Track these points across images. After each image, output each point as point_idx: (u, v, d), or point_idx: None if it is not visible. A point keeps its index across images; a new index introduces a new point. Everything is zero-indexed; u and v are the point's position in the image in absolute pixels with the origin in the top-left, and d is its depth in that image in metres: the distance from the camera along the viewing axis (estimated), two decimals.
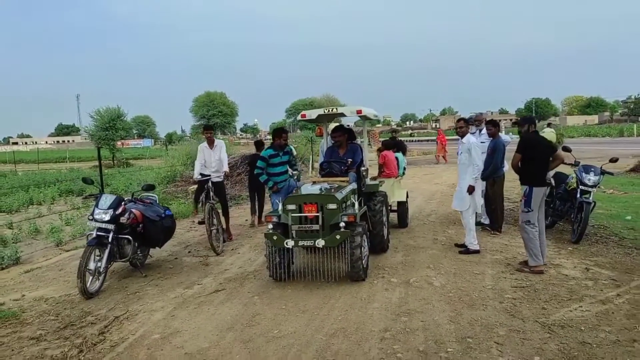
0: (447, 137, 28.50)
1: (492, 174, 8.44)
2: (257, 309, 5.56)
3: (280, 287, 6.30)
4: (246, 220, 11.32)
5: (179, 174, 17.64)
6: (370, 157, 10.23)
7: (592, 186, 7.97)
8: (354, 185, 7.21)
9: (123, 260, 6.91)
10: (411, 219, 10.26)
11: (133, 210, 7.02)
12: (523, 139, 6.65)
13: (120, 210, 6.60)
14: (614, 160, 8.59)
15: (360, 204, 6.93)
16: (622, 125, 67.24)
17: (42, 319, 5.57)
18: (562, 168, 8.32)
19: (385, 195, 8.05)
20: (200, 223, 8.91)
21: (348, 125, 11.25)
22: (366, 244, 6.53)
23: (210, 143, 9.04)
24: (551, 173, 8.10)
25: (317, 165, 19.38)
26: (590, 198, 7.91)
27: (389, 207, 8.92)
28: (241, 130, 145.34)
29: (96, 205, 6.57)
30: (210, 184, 8.59)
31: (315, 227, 6.22)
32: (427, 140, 56.43)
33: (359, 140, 9.05)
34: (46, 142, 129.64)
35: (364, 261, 6.31)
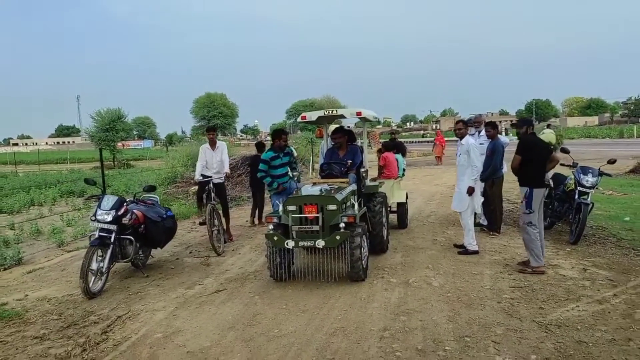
0: (445, 139, 28.63)
1: (491, 175, 8.51)
2: (257, 308, 5.63)
3: (280, 287, 6.37)
4: (246, 221, 11.39)
5: (179, 175, 17.71)
6: (370, 159, 10.29)
7: (590, 187, 8.03)
8: (353, 187, 7.27)
9: (125, 260, 6.98)
10: (411, 220, 10.33)
11: (135, 211, 7.09)
12: (522, 141, 6.70)
13: (122, 211, 6.67)
14: (612, 161, 8.65)
15: (360, 205, 7.00)
16: (622, 126, 67.26)
17: (45, 319, 5.64)
18: (560, 169, 8.41)
19: (384, 197, 8.11)
20: (201, 224, 8.98)
21: (348, 127, 11.32)
22: (366, 244, 6.59)
23: (212, 144, 9.11)
24: (549, 174, 8.17)
25: (317, 166, 19.50)
26: (589, 199, 7.97)
27: (389, 208, 8.98)
28: (241, 131, 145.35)
29: (99, 206, 6.64)
30: (211, 185, 8.65)
31: (316, 227, 6.28)
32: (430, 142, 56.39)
33: (359, 142, 9.11)
34: (46, 143, 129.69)
35: (363, 261, 6.37)
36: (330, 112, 8.02)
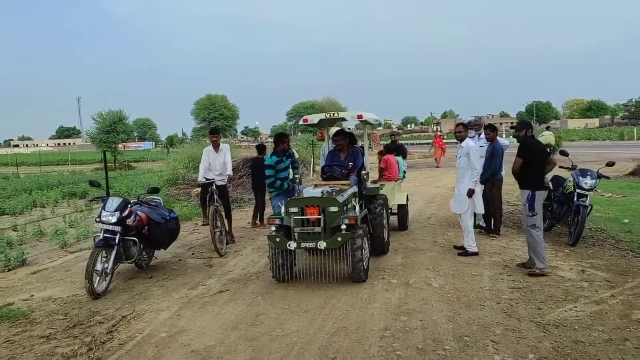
0: (444, 141, 28.78)
1: (490, 177, 8.60)
2: (260, 308, 5.72)
3: (282, 287, 6.45)
4: (248, 222, 11.48)
5: (181, 177, 17.80)
6: (370, 160, 10.38)
7: (588, 190, 8.10)
8: (355, 189, 7.36)
9: (129, 261, 7.07)
10: (411, 222, 10.41)
11: (139, 212, 7.17)
12: (522, 144, 6.77)
13: (126, 212, 6.76)
14: (610, 164, 8.73)
15: (361, 207, 7.09)
16: (623, 128, 67.34)
17: (51, 319, 5.72)
18: (559, 172, 8.49)
19: (385, 199, 8.19)
20: (204, 225, 9.06)
21: (349, 129, 11.43)
22: (367, 245, 6.67)
23: (216, 146, 9.20)
24: (548, 177, 8.27)
25: (318, 168, 19.57)
26: (587, 201, 8.04)
27: (390, 210, 9.06)
28: (242, 133, 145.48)
29: (103, 208, 6.73)
30: (214, 187, 8.74)
31: (317, 229, 6.37)
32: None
33: (359, 144, 9.20)
34: (47, 145, 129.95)
35: (364, 263, 6.45)
36: (331, 115, 8.10)
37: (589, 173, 8.27)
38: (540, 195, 6.71)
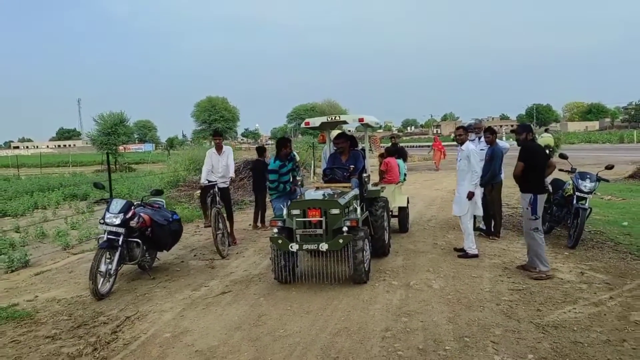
0: (443, 144, 28.86)
1: (490, 180, 8.67)
2: (263, 309, 5.78)
3: (285, 289, 6.52)
4: (249, 224, 11.54)
5: (182, 179, 17.86)
6: (371, 163, 10.45)
7: (588, 192, 8.15)
8: (356, 191, 7.42)
9: (132, 262, 7.13)
10: (412, 224, 10.48)
11: (142, 214, 7.24)
12: (524, 148, 6.79)
13: (130, 214, 6.83)
14: (609, 167, 8.79)
15: (362, 209, 7.15)
16: (623, 131, 67.45)
17: (55, 319, 5.79)
18: (558, 175, 8.56)
19: (386, 201, 8.25)
20: (206, 227, 9.12)
21: (349, 131, 11.48)
22: (368, 247, 6.73)
23: (219, 149, 9.27)
24: (548, 180, 8.32)
25: (318, 170, 19.58)
26: (586, 204, 8.10)
27: (390, 213, 9.13)
28: (242, 135, 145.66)
29: (107, 210, 6.79)
30: (216, 189, 8.81)
31: (319, 231, 6.43)
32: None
33: (360, 147, 9.26)
34: (47, 147, 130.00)
35: (366, 264, 6.51)
36: (333, 118, 8.17)
37: (588, 176, 8.33)
38: (542, 199, 6.76)
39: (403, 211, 9.90)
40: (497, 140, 9.08)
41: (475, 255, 7.66)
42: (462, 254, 7.77)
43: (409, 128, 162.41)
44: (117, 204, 6.83)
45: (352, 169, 7.90)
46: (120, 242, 6.70)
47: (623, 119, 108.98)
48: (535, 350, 4.46)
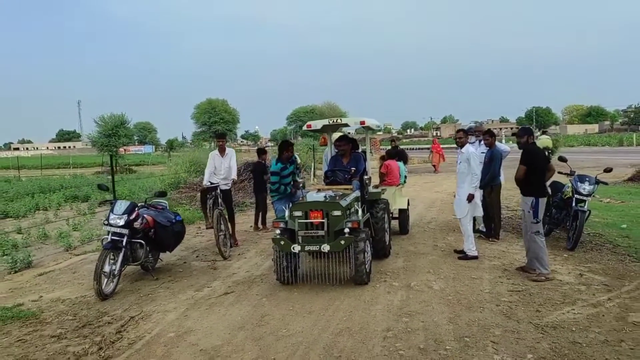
0: (442, 146, 28.90)
1: (489, 182, 8.75)
2: (265, 310, 5.85)
3: (287, 290, 6.59)
4: (251, 226, 11.62)
5: (183, 181, 17.92)
6: (372, 165, 10.51)
7: (587, 195, 8.22)
8: (357, 193, 7.49)
9: (136, 263, 7.21)
10: (412, 226, 10.55)
11: (145, 215, 7.32)
12: (526, 151, 6.82)
13: (134, 215, 6.90)
14: (608, 170, 8.86)
15: (363, 211, 7.23)
16: (622, 134, 67.51)
17: (60, 319, 5.86)
18: (558, 177, 8.63)
19: (387, 203, 8.32)
20: (208, 228, 9.20)
21: (349, 134, 11.56)
22: (369, 249, 6.80)
23: (222, 151, 9.35)
24: (547, 182, 8.39)
25: (318, 172, 19.65)
26: (585, 207, 8.16)
27: (391, 215, 9.19)
28: (242, 137, 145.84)
29: (111, 211, 6.87)
30: (218, 191, 8.88)
31: (321, 232, 6.50)
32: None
33: (360, 149, 9.34)
34: (47, 148, 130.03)
35: (367, 265, 6.59)
36: (334, 120, 8.25)
37: (587, 179, 8.40)
38: (544, 202, 6.81)
39: (403, 213, 9.97)
40: (497, 143, 9.15)
41: (475, 257, 7.74)
42: (462, 255, 7.84)
43: (408, 130, 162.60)
44: (121, 205, 6.90)
45: (353, 171, 7.97)
46: (124, 243, 6.77)
47: (622, 122, 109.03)
48: (534, 350, 4.53)
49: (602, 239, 8.74)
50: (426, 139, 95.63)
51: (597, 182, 8.41)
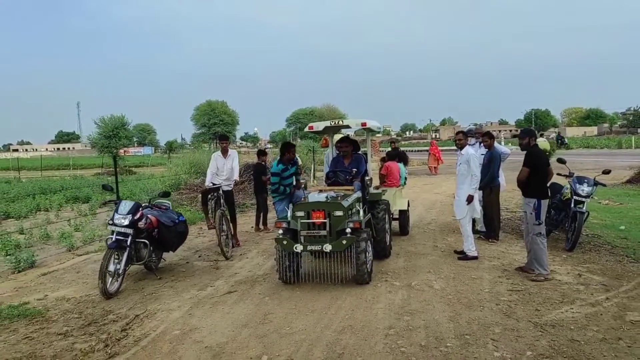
0: (439, 148, 28.93)
1: (489, 183, 8.84)
2: (268, 308, 5.93)
3: (289, 289, 6.67)
4: (252, 227, 11.70)
5: (183, 182, 18.00)
6: (372, 167, 10.59)
7: (585, 196, 8.31)
8: (358, 194, 7.58)
9: (139, 263, 7.28)
10: (412, 227, 10.63)
11: (149, 215, 7.39)
12: (529, 154, 6.87)
13: (138, 215, 6.98)
14: (606, 172, 8.95)
15: (364, 212, 7.31)
16: (621, 137, 67.60)
17: (66, 317, 5.94)
18: (557, 179, 8.71)
19: (388, 204, 8.40)
20: (210, 228, 9.28)
21: (349, 135, 11.66)
22: (370, 249, 6.88)
23: (224, 152, 9.44)
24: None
25: (318, 174, 19.67)
26: (584, 208, 8.25)
27: (391, 216, 9.28)
28: (241, 138, 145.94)
29: (116, 211, 6.95)
30: (220, 191, 8.97)
31: (323, 232, 6.58)
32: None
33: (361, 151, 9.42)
34: (46, 149, 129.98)
35: (368, 265, 6.67)
36: (336, 122, 8.34)
37: (585, 180, 8.49)
38: (546, 204, 6.88)
39: (404, 214, 10.05)
40: (497, 145, 9.24)
41: (475, 257, 7.82)
42: (462, 256, 7.93)
43: (407, 133, 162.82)
44: (126, 206, 6.98)
45: (354, 172, 8.06)
46: (128, 243, 6.85)
47: (621, 125, 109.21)
48: (533, 347, 4.62)
49: (600, 240, 8.83)
50: (425, 141, 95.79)
51: (596, 183, 8.50)
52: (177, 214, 8.21)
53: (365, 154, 8.71)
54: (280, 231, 6.71)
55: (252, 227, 11.69)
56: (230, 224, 9.33)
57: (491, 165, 8.88)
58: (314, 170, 22.55)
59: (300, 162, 11.31)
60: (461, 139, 8.11)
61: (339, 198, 7.03)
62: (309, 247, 6.59)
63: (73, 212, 15.24)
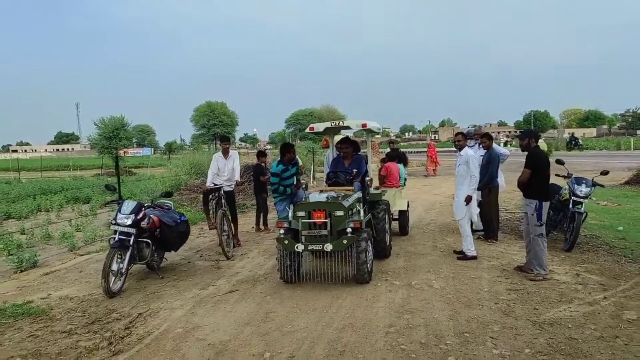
0: (437, 150, 28.96)
1: (487, 183, 8.91)
2: (270, 307, 6.00)
3: (290, 288, 6.74)
4: (252, 227, 11.76)
5: (183, 183, 18.06)
6: (372, 168, 10.66)
7: (583, 197, 8.38)
8: (359, 194, 7.65)
9: (142, 262, 7.34)
10: (412, 228, 10.71)
11: (151, 215, 7.46)
12: (531, 155, 6.91)
13: (140, 215, 7.05)
14: (604, 173, 9.02)
15: (364, 212, 7.38)
16: (620, 138, 67.68)
17: (70, 315, 6.00)
18: (555, 180, 8.78)
19: (388, 204, 8.47)
20: (211, 229, 9.35)
21: (348, 136, 11.73)
22: (371, 248, 6.94)
23: (225, 153, 9.52)
24: None
25: (318, 175, 19.73)
26: (582, 208, 8.32)
27: (391, 216, 9.34)
28: (240, 139, 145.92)
29: (119, 211, 7.01)
30: (222, 192, 9.03)
31: (324, 232, 6.65)
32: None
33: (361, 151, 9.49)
34: (46, 150, 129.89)
35: (368, 265, 6.73)
36: (337, 123, 8.41)
37: (584, 181, 8.56)
38: (547, 205, 6.93)
39: (403, 214, 10.12)
40: (496, 146, 9.31)
41: (474, 257, 7.90)
42: (461, 255, 8.00)
43: (406, 134, 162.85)
44: (129, 205, 7.05)
45: (355, 173, 8.13)
46: (131, 242, 6.91)
47: (620, 126, 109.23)
48: (531, 345, 4.69)
49: (598, 241, 8.90)
50: (424, 142, 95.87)
51: (594, 184, 8.57)
52: (179, 214, 8.28)
53: (366, 155, 8.78)
54: (282, 231, 6.78)
55: (253, 227, 11.75)
56: (231, 224, 9.40)
57: (490, 166, 8.95)
58: (313, 171, 22.61)
59: (300, 163, 11.38)
60: (460, 140, 8.19)
61: (340, 198, 7.10)
62: (310, 247, 6.65)
63: (74, 213, 15.29)
